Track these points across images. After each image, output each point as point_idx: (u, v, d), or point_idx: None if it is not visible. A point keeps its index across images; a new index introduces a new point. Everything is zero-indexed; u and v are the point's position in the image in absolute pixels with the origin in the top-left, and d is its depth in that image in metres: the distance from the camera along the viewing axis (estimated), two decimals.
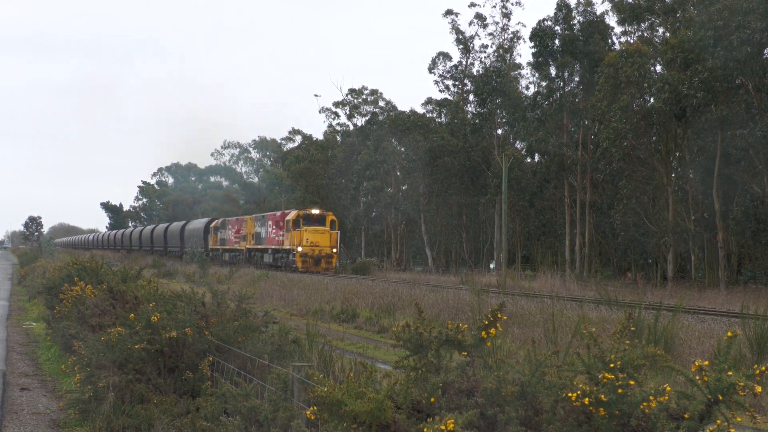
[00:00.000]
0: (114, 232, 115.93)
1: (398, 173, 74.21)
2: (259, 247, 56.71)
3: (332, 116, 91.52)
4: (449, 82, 74.15)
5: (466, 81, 72.94)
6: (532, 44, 55.93)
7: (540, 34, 54.91)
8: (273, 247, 53.57)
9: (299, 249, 48.56)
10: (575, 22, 54.75)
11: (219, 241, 67.19)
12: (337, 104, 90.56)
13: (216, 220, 70.88)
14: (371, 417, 4.71)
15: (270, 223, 55.01)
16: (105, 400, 8.38)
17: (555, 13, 55.14)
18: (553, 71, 56.05)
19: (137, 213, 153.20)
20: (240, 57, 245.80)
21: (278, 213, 55.55)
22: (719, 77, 39.56)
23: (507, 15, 68.56)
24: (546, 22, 55.30)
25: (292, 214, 50.76)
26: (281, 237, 51.99)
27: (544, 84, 57.08)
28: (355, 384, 4.89)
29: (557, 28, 54.85)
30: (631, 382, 4.48)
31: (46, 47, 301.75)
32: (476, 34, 71.23)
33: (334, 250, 50.11)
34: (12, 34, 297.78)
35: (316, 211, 50.97)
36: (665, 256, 46.01)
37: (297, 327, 13.31)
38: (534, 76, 60.62)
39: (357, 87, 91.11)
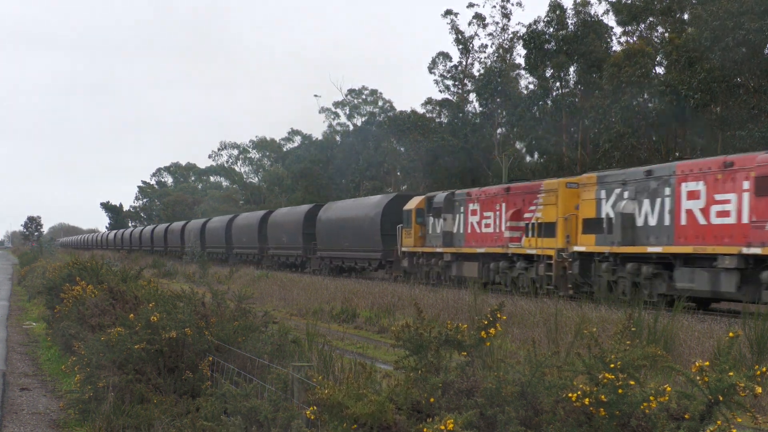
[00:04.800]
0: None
1: (398, 173, 74.22)
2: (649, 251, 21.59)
3: (332, 116, 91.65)
4: (449, 82, 74.19)
5: (466, 81, 72.96)
6: (526, 50, 56.16)
7: (533, 38, 54.85)
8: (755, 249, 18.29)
9: None
10: (570, 22, 54.75)
11: (439, 239, 32.00)
12: (337, 104, 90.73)
13: (419, 198, 34.88)
14: (372, 418, 4.70)
15: (685, 183, 20.76)
16: (105, 400, 8.38)
17: (547, 14, 55.14)
18: (549, 72, 56.13)
19: (137, 213, 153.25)
20: (239, 57, 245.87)
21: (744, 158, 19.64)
22: (717, 78, 39.61)
23: (507, 15, 68.61)
24: (539, 24, 55.26)
25: None
26: None
27: (538, 83, 57.29)
28: (355, 386, 4.89)
29: (550, 29, 54.84)
30: (632, 383, 4.48)
31: (45, 45, 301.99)
32: (476, 34, 71.27)
33: None
34: (11, 29, 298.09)
35: None
36: None
37: (297, 327, 13.31)
38: (532, 76, 60.74)
39: (357, 87, 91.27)
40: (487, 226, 29.64)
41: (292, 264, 48.56)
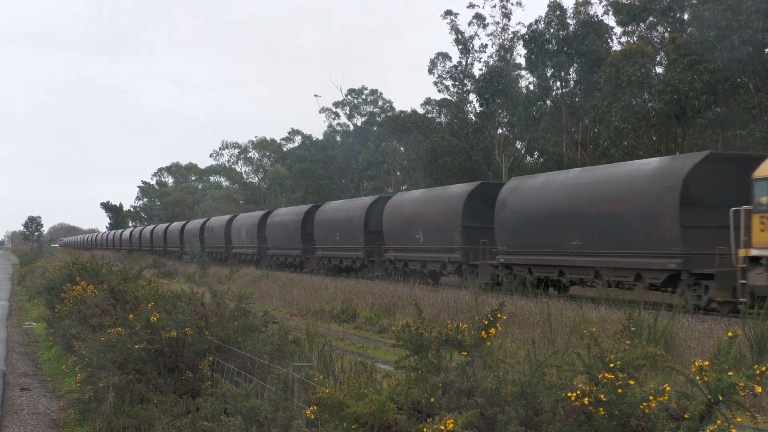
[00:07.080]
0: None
1: (398, 173, 74.21)
2: None
3: (332, 116, 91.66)
4: (449, 83, 74.18)
5: (466, 81, 72.93)
6: (526, 51, 56.23)
7: (533, 38, 54.82)
8: None
9: None
10: (570, 23, 54.76)
11: None
12: (337, 104, 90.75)
13: None
14: (373, 418, 4.70)
15: None
16: (105, 400, 8.38)
17: (547, 14, 55.13)
18: (549, 72, 56.15)
19: (137, 213, 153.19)
20: (239, 56, 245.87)
21: None
22: (721, 78, 39.60)
23: (507, 15, 68.61)
24: (539, 24, 55.23)
25: None
26: None
27: (538, 83, 57.34)
28: (356, 385, 4.89)
29: (551, 29, 54.84)
30: (631, 382, 4.48)
31: (45, 45, 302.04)
32: (476, 34, 71.28)
33: None
34: (11, 29, 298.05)
35: None
36: None
37: (297, 327, 13.31)
38: (533, 75, 60.78)
39: (357, 87, 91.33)
40: None
41: (441, 273, 32.11)
